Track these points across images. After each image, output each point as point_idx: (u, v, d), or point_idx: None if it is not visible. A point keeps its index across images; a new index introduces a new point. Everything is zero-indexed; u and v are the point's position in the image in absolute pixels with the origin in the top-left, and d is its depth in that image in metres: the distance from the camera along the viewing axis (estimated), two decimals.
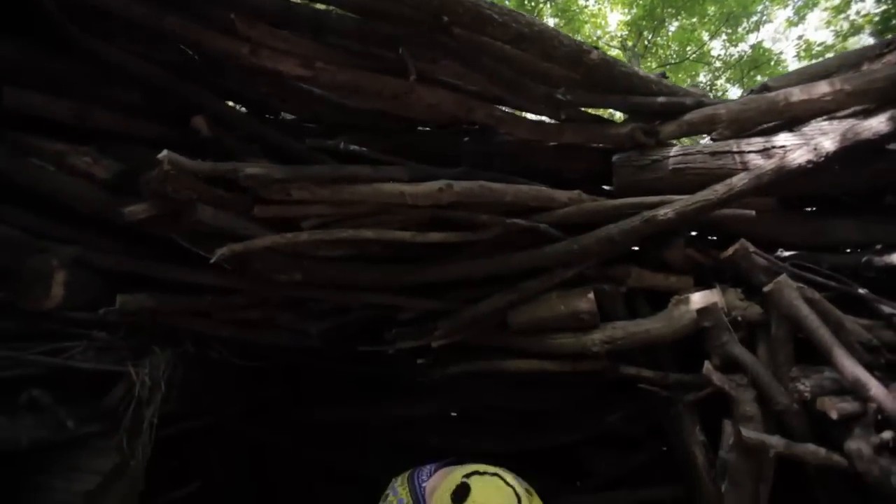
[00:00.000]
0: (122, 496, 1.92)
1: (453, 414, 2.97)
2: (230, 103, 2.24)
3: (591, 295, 2.04)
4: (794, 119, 1.98)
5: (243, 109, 2.37)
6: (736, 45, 8.86)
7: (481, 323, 2.15)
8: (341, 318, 2.32)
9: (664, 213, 1.96)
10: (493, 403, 2.75)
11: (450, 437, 2.77)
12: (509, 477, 1.21)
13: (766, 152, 1.92)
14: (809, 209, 2.10)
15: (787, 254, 1.99)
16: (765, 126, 2.05)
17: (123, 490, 1.92)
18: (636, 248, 2.20)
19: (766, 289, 1.78)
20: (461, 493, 1.16)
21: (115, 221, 1.93)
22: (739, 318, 1.86)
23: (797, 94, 1.92)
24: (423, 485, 1.33)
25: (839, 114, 1.92)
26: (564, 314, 2.05)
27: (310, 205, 1.93)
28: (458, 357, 2.27)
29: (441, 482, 1.24)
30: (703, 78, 8.96)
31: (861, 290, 1.80)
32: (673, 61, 8.52)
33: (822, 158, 1.70)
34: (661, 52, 8.93)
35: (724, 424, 1.82)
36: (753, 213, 1.96)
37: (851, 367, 1.54)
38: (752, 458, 1.72)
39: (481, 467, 1.23)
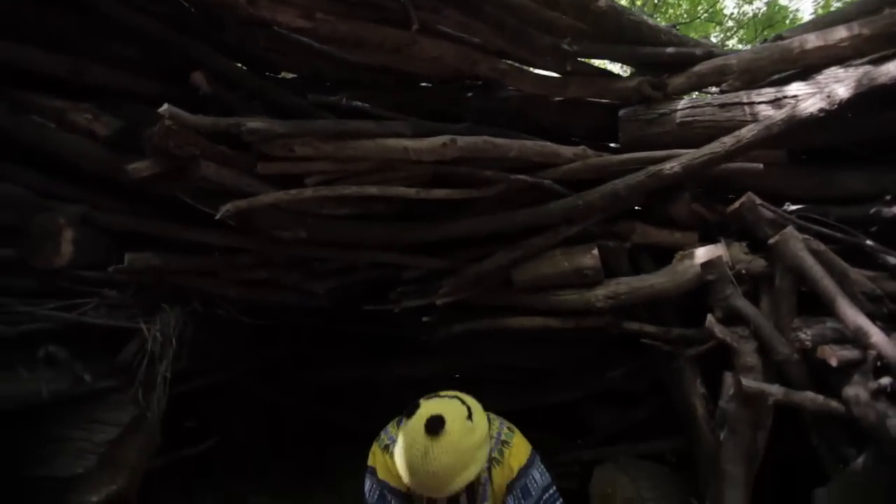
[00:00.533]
0: (141, 448, 1.99)
1: (457, 375, 3.03)
2: (229, 60, 2.20)
3: (595, 251, 2.04)
4: (808, 67, 1.92)
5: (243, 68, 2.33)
6: (750, 3, 8.50)
7: (486, 280, 2.17)
8: (346, 279, 2.35)
9: (670, 167, 1.93)
10: (497, 363, 2.80)
11: None
12: (471, 401, 1.36)
13: (777, 102, 1.87)
14: (818, 161, 2.06)
15: (794, 207, 1.97)
16: (778, 76, 1.99)
17: (141, 442, 1.99)
18: (641, 206, 2.19)
19: (771, 241, 1.77)
20: (412, 409, 1.31)
21: (119, 181, 1.93)
22: (743, 272, 1.86)
23: (813, 40, 1.86)
24: None
25: (856, 62, 1.85)
26: (568, 270, 2.06)
27: (313, 161, 1.92)
28: (462, 316, 2.30)
29: None
30: (714, 39, 8.65)
31: (868, 242, 1.79)
32: (683, 21, 8.21)
33: (836, 106, 1.66)
34: (670, 10, 8.59)
35: (725, 376, 1.85)
36: (761, 166, 1.94)
37: (853, 316, 1.55)
38: (751, 406, 1.76)
39: (446, 392, 1.40)
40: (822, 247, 1.73)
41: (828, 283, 1.63)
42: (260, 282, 2.24)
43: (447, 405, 1.30)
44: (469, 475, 1.26)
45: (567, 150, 2.10)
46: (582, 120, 2.33)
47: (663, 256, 2.12)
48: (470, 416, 1.29)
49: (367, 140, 1.92)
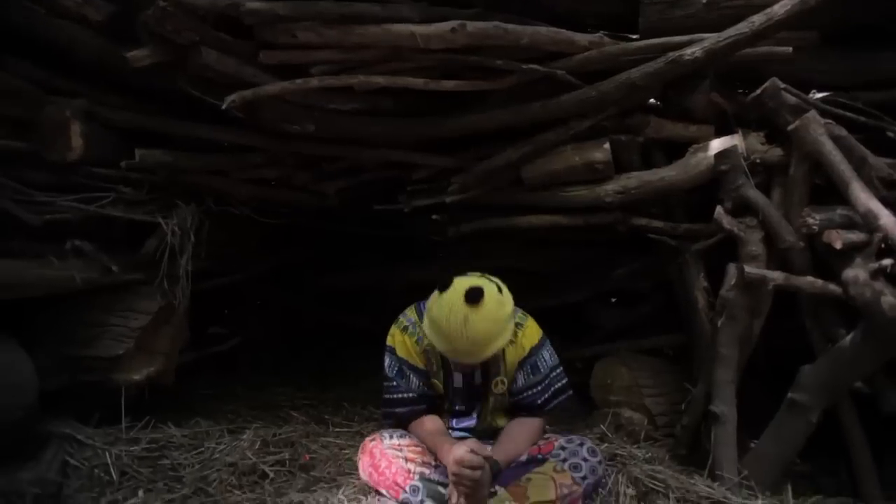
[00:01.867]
0: (172, 337, 2.15)
1: None
2: None
3: (607, 145, 2.01)
4: None
5: None
6: None
7: (495, 178, 2.16)
8: (356, 179, 2.36)
9: (691, 52, 1.83)
10: (506, 266, 2.86)
11: None
12: (497, 280, 1.52)
13: None
14: (854, 43, 1.92)
15: (819, 95, 1.88)
16: None
17: (172, 332, 2.15)
18: (657, 99, 2.11)
19: (790, 126, 1.72)
20: (445, 283, 1.43)
21: (122, 76, 1.90)
22: (758, 161, 1.83)
23: None
24: (423, 305, 1.62)
25: None
26: (579, 165, 2.04)
27: (317, 50, 1.85)
28: (471, 215, 2.33)
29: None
30: None
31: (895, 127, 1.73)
32: None
33: None
34: None
35: (728, 267, 1.87)
36: (790, 50, 1.82)
37: (865, 199, 1.54)
38: (751, 293, 1.81)
39: (472, 273, 1.54)
40: (843, 132, 1.68)
41: (844, 168, 1.61)
42: (271, 181, 2.26)
43: (479, 280, 1.43)
44: (500, 343, 1.41)
45: (582, 38, 1.98)
46: (599, 6, 2.17)
47: (677, 153, 2.08)
48: (500, 291, 1.44)
49: (372, 25, 1.82)
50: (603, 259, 2.57)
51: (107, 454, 1.69)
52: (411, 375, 1.61)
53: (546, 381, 1.60)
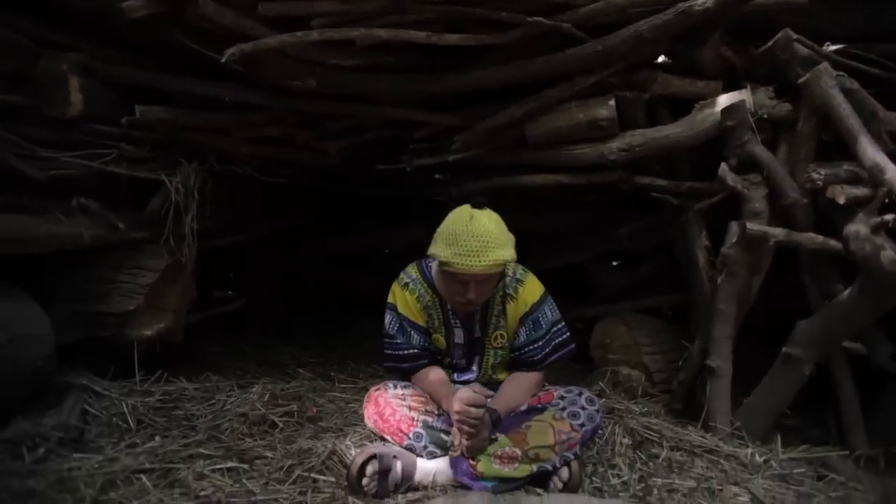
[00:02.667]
0: (180, 295, 2.19)
1: None
2: None
3: (612, 102, 1.97)
4: None
5: None
6: None
7: (498, 136, 2.14)
8: (358, 138, 2.34)
9: (702, 3, 1.76)
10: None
11: None
12: None
13: None
14: None
15: (834, 47, 1.83)
16: None
17: (180, 291, 2.18)
18: (665, 54, 2.05)
19: (801, 79, 1.68)
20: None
21: (120, 31, 1.86)
22: (765, 117, 1.80)
23: None
24: (430, 264, 1.64)
25: None
26: (583, 123, 2.02)
27: (317, 1, 1.80)
28: (474, 175, 2.32)
29: None
30: None
31: None
32: None
33: None
34: None
35: (730, 225, 1.87)
36: (806, 0, 1.76)
37: (872, 153, 1.52)
38: (751, 250, 1.82)
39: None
40: (855, 85, 1.64)
41: (853, 122, 1.58)
42: (272, 140, 2.25)
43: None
44: (502, 255, 1.43)
45: None
46: None
47: (683, 111, 2.04)
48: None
49: None
50: (605, 220, 2.57)
51: (123, 404, 1.76)
52: (412, 332, 1.63)
53: (547, 337, 1.60)
